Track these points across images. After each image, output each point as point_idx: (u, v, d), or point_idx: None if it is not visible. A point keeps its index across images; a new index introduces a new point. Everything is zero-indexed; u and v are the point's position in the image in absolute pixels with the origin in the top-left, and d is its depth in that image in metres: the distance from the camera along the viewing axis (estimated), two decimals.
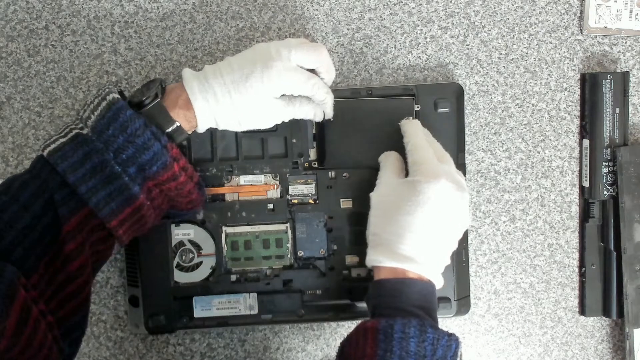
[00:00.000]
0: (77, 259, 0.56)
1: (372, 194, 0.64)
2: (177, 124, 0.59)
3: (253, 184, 0.69)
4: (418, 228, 0.59)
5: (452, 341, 0.55)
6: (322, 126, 0.68)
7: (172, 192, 0.60)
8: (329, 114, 0.66)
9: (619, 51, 0.73)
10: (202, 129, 0.62)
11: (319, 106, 0.65)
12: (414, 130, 0.65)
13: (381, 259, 0.60)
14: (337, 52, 0.72)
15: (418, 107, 0.69)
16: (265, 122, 0.63)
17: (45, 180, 0.56)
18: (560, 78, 0.73)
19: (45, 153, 0.57)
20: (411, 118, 0.68)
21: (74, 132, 0.57)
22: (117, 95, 0.57)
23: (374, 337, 0.54)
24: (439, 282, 0.61)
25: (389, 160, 0.66)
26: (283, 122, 0.64)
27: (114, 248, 0.63)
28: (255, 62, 0.60)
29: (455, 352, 0.55)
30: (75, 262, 0.55)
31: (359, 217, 0.67)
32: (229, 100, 0.60)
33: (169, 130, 0.59)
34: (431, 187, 0.59)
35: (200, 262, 0.69)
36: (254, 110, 0.61)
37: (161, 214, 0.63)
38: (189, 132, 0.61)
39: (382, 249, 0.60)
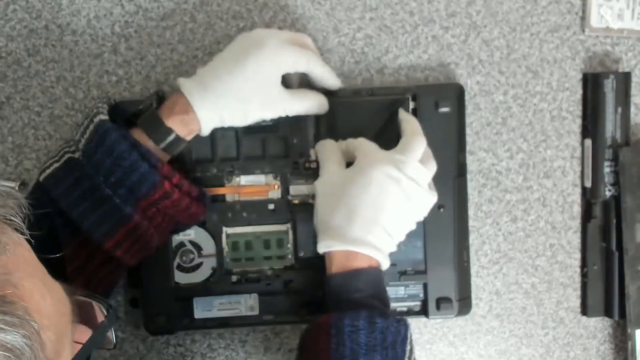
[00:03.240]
0: (76, 281, 0.56)
1: (316, 183, 0.64)
2: (173, 133, 0.59)
3: (254, 185, 0.69)
4: (363, 210, 0.60)
5: (400, 326, 0.58)
6: (321, 126, 0.68)
7: (169, 209, 0.60)
8: (335, 84, 0.66)
9: (621, 51, 0.73)
10: (206, 131, 0.61)
11: (323, 97, 0.65)
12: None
13: (332, 243, 0.60)
14: (338, 52, 0.72)
15: (412, 105, 0.68)
16: (271, 110, 0.62)
17: (45, 205, 0.56)
18: (562, 78, 0.73)
19: (41, 178, 0.58)
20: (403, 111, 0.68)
21: (67, 156, 0.58)
22: (104, 117, 0.58)
23: (327, 332, 0.56)
24: (385, 264, 0.62)
25: (328, 151, 0.66)
26: (287, 118, 0.64)
27: (123, 270, 0.63)
28: (247, 47, 0.60)
29: (405, 335, 0.58)
30: (75, 283, 0.56)
31: None
32: (229, 92, 0.59)
33: (163, 144, 0.59)
34: (374, 170, 0.60)
35: (201, 263, 0.68)
36: (257, 96, 0.61)
37: (166, 232, 0.63)
38: (188, 139, 0.61)
39: (332, 234, 0.61)
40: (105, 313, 0.47)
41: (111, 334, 0.48)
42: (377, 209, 0.60)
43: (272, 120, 0.64)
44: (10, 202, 0.38)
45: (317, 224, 0.63)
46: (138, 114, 0.60)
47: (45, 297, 0.38)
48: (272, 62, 0.60)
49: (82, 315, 0.44)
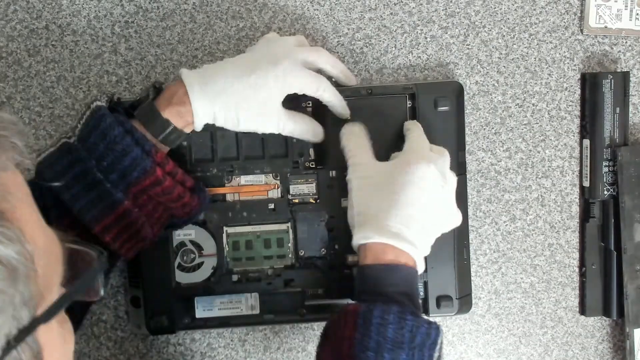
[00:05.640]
0: None
1: (350, 177, 0.63)
2: (171, 125, 0.60)
3: (254, 184, 0.69)
4: (405, 206, 0.59)
5: (431, 329, 0.56)
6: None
7: (160, 197, 0.60)
8: (344, 114, 0.66)
9: (619, 51, 0.73)
10: (199, 125, 0.61)
11: (319, 127, 0.66)
12: (416, 127, 0.66)
13: (370, 235, 0.59)
14: (338, 52, 0.72)
15: (410, 103, 0.68)
16: (264, 126, 0.62)
17: (40, 188, 0.57)
18: (560, 78, 0.73)
19: (35, 162, 0.59)
20: (415, 121, 0.68)
21: (62, 141, 0.59)
22: (100, 103, 0.59)
23: (354, 321, 0.55)
24: (421, 266, 0.61)
25: (358, 139, 0.65)
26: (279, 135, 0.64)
27: (116, 261, 0.63)
28: (261, 60, 0.61)
29: (435, 341, 0.56)
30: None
31: None
32: (229, 90, 0.60)
33: (161, 136, 0.60)
34: (421, 169, 0.60)
35: (202, 263, 0.69)
36: (253, 106, 0.61)
37: (160, 223, 0.62)
38: (186, 131, 0.61)
39: (370, 226, 0.60)
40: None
41: (100, 283, 0.45)
42: (417, 206, 0.59)
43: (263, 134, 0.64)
44: (12, 127, 0.38)
45: (354, 217, 0.62)
46: (136, 105, 0.60)
47: (39, 228, 0.38)
48: (279, 82, 0.60)
49: (72, 265, 0.42)
